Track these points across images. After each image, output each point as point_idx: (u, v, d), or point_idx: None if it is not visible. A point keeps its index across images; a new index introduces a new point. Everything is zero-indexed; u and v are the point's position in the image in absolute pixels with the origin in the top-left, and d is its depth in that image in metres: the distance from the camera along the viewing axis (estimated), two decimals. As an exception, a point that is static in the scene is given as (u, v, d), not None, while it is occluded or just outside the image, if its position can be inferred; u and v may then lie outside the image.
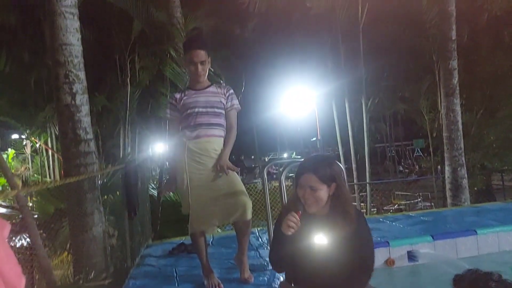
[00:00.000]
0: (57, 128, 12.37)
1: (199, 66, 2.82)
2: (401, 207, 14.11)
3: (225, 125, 2.93)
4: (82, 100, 3.80)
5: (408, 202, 14.80)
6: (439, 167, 13.05)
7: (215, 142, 2.85)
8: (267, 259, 3.45)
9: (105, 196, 4.54)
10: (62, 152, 4.11)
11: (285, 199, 3.17)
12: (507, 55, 10.67)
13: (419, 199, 14.77)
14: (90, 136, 3.90)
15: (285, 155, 30.91)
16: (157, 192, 6.24)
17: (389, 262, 3.57)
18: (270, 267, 3.21)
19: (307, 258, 1.90)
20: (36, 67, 11.94)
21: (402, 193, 16.08)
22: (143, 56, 10.94)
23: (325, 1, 10.23)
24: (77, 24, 3.77)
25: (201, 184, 2.81)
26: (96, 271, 2.97)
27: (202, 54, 2.81)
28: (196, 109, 2.85)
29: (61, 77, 3.71)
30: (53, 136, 14.22)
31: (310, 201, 1.89)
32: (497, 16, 9.87)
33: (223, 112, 2.92)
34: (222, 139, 2.90)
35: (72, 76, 3.72)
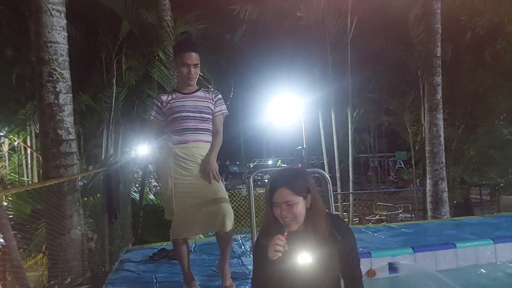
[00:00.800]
0: (37, 127, 12.13)
1: (192, 69, 2.78)
2: (382, 217, 14.27)
3: (211, 130, 2.89)
4: (65, 99, 3.72)
5: (390, 213, 14.99)
6: (418, 180, 13.27)
7: (202, 147, 2.81)
8: (250, 267, 3.42)
9: (85, 198, 4.43)
10: (42, 152, 4.00)
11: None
12: (488, 74, 11.00)
13: (400, 211, 14.98)
14: (72, 136, 3.81)
15: (270, 162, 31.02)
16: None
17: (370, 273, 3.58)
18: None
19: (295, 280, 1.79)
20: (19, 63, 11.67)
21: (384, 204, 16.29)
22: (130, 56, 10.84)
23: (315, 13, 10.36)
24: (63, 22, 3.70)
25: (185, 191, 2.77)
26: (73, 275, 2.89)
27: (195, 57, 2.78)
28: (184, 114, 2.79)
29: (45, 75, 3.63)
30: (33, 134, 13.88)
31: (289, 219, 1.76)
32: (479, 36, 10.20)
33: (211, 117, 2.88)
34: (209, 144, 2.86)
35: (56, 75, 3.64)
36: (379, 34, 11.39)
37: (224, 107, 2.96)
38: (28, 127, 13.03)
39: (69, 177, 3.37)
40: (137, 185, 7.43)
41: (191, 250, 3.60)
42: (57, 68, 3.63)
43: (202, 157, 2.79)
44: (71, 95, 3.80)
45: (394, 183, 27.77)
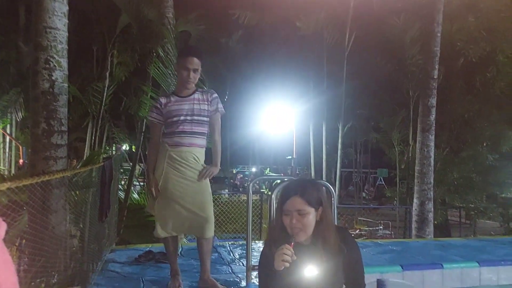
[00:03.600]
0: (19, 115, 11.70)
1: (192, 73, 2.85)
2: (362, 232, 14.36)
3: (207, 134, 2.97)
4: (61, 89, 3.57)
5: (370, 228, 15.11)
6: (398, 198, 13.44)
7: (196, 151, 2.89)
8: (240, 275, 3.35)
9: (73, 193, 4.25)
10: (31, 142, 3.82)
11: (273, 216, 3.08)
12: (476, 100, 11.28)
13: (380, 227, 15.12)
14: (65, 128, 3.66)
15: (254, 170, 30.94)
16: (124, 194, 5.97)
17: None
18: (244, 283, 3.12)
19: None
20: (5, 47, 11.30)
21: (364, 219, 16.43)
22: (121, 51, 10.62)
23: (315, 24, 10.44)
24: (65, 8, 3.57)
25: (173, 192, 2.83)
26: (54, 272, 2.74)
27: (196, 62, 2.86)
28: (181, 117, 2.87)
29: (41, 62, 3.47)
30: (13, 123, 13.41)
31: (298, 229, 1.73)
32: (472, 62, 10.47)
33: (207, 120, 2.95)
34: (203, 149, 2.95)
35: (53, 62, 3.49)
36: (375, 52, 11.57)
37: (220, 105, 3.01)
38: (9, 115, 12.57)
39: (71, 171, 3.22)
40: (122, 183, 7.25)
41: (179, 254, 3.52)
42: (54, 55, 3.48)
43: (195, 161, 2.87)
44: (66, 84, 3.65)
45: (366, 199, 28.07)
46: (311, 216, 1.75)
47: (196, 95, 2.93)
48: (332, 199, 2.61)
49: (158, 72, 5.37)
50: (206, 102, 2.93)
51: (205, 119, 2.93)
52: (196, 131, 2.88)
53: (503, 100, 11.32)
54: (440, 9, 6.77)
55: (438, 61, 6.54)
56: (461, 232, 13.77)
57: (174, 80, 5.34)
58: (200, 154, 2.91)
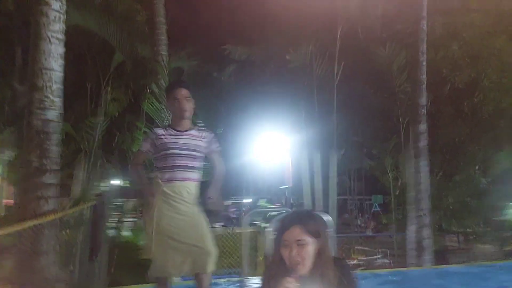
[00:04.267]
0: (11, 154, 11.61)
1: (184, 102, 2.81)
2: (360, 262, 14.07)
3: (201, 169, 2.92)
4: (54, 128, 3.59)
5: (368, 257, 14.81)
6: (395, 225, 13.32)
7: (189, 186, 2.82)
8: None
9: (63, 232, 4.16)
10: (20, 181, 3.79)
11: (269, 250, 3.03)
12: (466, 124, 11.49)
13: (379, 256, 14.83)
14: (57, 167, 3.64)
15: (248, 200, 30.52)
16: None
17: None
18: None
19: None
20: (0, 87, 11.37)
21: (362, 248, 16.13)
22: (115, 87, 10.75)
23: (304, 57, 10.74)
24: (62, 50, 3.65)
25: (168, 229, 2.73)
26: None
27: (185, 91, 2.84)
28: (176, 151, 2.81)
29: (36, 102, 3.51)
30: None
31: (297, 260, 1.69)
32: (459, 88, 10.76)
33: (202, 156, 2.91)
34: (197, 183, 2.88)
35: (48, 102, 3.53)
36: (364, 81, 11.84)
37: (218, 145, 3.01)
38: (2, 154, 12.46)
39: (63, 212, 3.17)
40: (113, 220, 7.12)
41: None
42: (49, 95, 3.53)
43: (189, 195, 2.79)
44: (61, 123, 3.67)
45: (363, 228, 27.65)
46: (310, 247, 1.72)
47: (193, 132, 2.90)
48: (331, 229, 2.59)
49: (152, 107, 5.44)
50: (203, 139, 2.90)
51: (200, 155, 2.89)
52: (190, 165, 2.83)
53: (492, 123, 11.55)
54: (424, 39, 7.03)
55: (425, 88, 6.71)
56: (459, 258, 13.57)
57: (168, 115, 5.39)
58: (194, 188, 2.84)
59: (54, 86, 3.55)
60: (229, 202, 32.31)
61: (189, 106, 2.84)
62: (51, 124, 3.52)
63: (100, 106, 8.87)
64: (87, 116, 11.52)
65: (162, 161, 2.82)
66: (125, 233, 6.99)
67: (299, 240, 1.70)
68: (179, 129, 2.87)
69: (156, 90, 5.30)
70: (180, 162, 2.80)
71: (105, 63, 8.90)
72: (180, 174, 2.79)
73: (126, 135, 12.73)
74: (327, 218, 2.51)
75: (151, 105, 5.33)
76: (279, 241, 1.74)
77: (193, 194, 2.83)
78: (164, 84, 5.47)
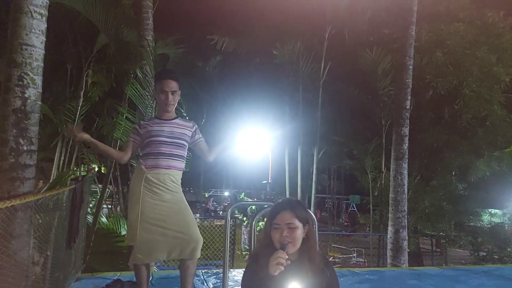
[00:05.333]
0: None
1: (170, 96, 2.85)
2: (336, 259, 14.29)
3: (185, 157, 2.95)
4: (33, 106, 3.42)
5: (344, 256, 15.05)
6: (371, 225, 13.55)
7: (173, 174, 2.84)
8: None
9: (37, 216, 4.01)
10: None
11: (254, 242, 3.01)
12: (445, 130, 11.75)
13: (354, 254, 15.09)
14: (35, 147, 3.48)
15: (226, 194, 30.58)
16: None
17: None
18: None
19: None
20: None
21: (338, 246, 16.40)
22: (97, 71, 10.44)
23: (291, 53, 10.72)
24: (44, 26, 3.47)
25: (153, 217, 2.74)
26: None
27: (174, 85, 2.87)
28: (160, 138, 2.83)
29: (14, 79, 3.33)
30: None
31: (288, 240, 1.82)
32: (440, 95, 10.99)
33: (186, 144, 2.95)
34: (181, 172, 2.90)
35: (27, 79, 3.36)
36: (349, 81, 11.94)
37: (201, 135, 3.09)
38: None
39: (39, 194, 3.04)
40: (91, 206, 6.94)
41: (150, 284, 3.35)
42: (29, 72, 3.36)
43: (173, 183, 2.81)
44: (39, 103, 3.51)
45: (345, 226, 28.24)
46: (299, 230, 1.84)
47: (178, 120, 2.95)
48: (314, 226, 2.58)
49: (135, 93, 5.29)
50: (188, 129, 2.95)
51: (185, 143, 2.92)
52: (175, 153, 2.85)
53: (470, 131, 11.86)
54: (412, 44, 7.12)
55: (410, 92, 6.79)
56: (433, 261, 13.92)
57: (151, 102, 5.26)
58: (178, 176, 2.86)
59: (35, 64, 3.38)
60: (208, 194, 32.27)
61: (175, 100, 2.91)
62: (30, 102, 3.35)
63: (80, 89, 8.57)
64: (66, 98, 11.17)
65: (147, 148, 2.84)
66: (102, 219, 6.82)
67: (289, 223, 1.83)
68: (164, 118, 2.91)
69: (140, 75, 5.15)
70: (165, 149, 2.81)
71: (87, 44, 8.60)
72: (164, 161, 2.79)
73: (106, 120, 12.43)
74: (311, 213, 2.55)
75: (135, 90, 5.19)
76: (270, 225, 1.86)
77: (177, 182, 2.84)
78: (149, 71, 5.33)
